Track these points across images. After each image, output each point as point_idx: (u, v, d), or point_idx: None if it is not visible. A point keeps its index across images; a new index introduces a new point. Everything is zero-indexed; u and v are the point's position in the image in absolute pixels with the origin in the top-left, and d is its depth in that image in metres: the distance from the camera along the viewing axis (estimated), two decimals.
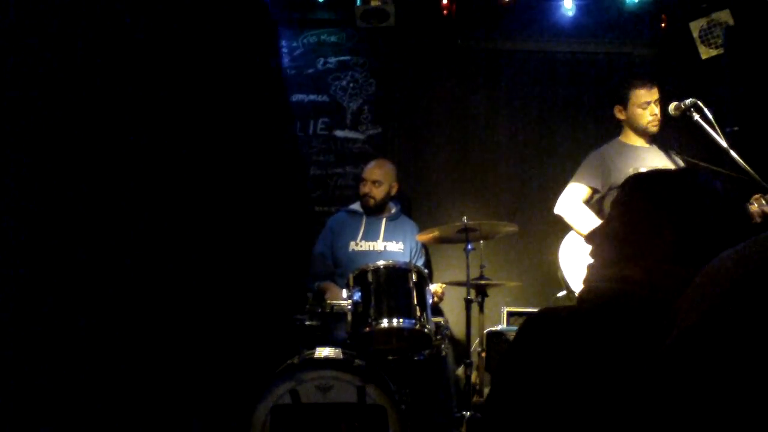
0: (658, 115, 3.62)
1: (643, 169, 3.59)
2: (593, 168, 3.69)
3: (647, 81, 3.67)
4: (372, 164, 4.30)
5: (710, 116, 3.41)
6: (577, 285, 3.46)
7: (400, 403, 3.02)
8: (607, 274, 1.35)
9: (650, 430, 1.03)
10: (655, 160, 3.67)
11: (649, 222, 1.32)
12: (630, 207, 1.37)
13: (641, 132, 3.68)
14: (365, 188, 4.22)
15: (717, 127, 3.39)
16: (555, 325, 1.27)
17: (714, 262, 1.04)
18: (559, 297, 3.69)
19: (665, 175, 1.43)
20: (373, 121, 4.91)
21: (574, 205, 3.60)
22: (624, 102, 3.67)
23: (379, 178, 4.23)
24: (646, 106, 3.62)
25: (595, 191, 3.65)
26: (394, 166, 4.34)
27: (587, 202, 3.66)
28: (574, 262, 3.52)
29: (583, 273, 3.53)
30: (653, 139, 3.73)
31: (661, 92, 3.65)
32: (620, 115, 3.71)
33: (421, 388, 3.55)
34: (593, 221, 3.49)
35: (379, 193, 4.23)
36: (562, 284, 3.56)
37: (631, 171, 3.57)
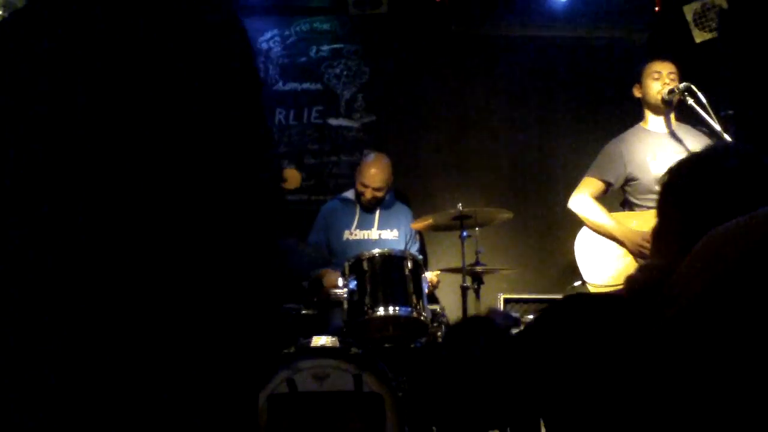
0: (670, 87, 3.52)
1: (660, 156, 3.58)
2: (608, 160, 3.65)
3: (664, 58, 3.64)
4: (370, 165, 4.15)
5: (704, 100, 3.39)
6: (590, 276, 3.50)
7: (397, 391, 3.03)
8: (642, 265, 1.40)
9: (649, 405, 1.03)
10: (673, 146, 3.60)
11: (663, 213, 1.38)
12: (658, 203, 1.43)
13: (653, 107, 3.61)
14: (368, 194, 4.12)
15: (711, 111, 3.37)
16: (583, 305, 1.32)
17: (714, 233, 1.04)
18: (574, 286, 3.69)
19: (677, 165, 1.45)
20: (367, 109, 4.89)
21: (585, 201, 3.59)
22: (639, 78, 3.64)
23: (381, 185, 4.12)
24: (657, 76, 3.56)
25: (608, 185, 3.63)
26: (388, 159, 4.25)
27: (601, 194, 3.65)
28: (588, 254, 3.54)
29: (597, 264, 3.60)
30: (672, 122, 3.65)
31: (679, 72, 3.59)
32: (637, 93, 3.67)
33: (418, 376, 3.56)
34: (598, 214, 3.50)
35: (381, 195, 4.17)
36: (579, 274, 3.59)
37: (648, 160, 3.55)
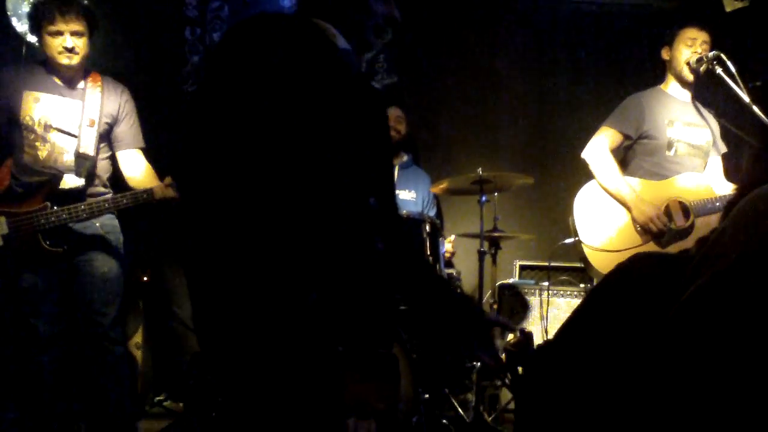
0: (699, 55, 3.43)
1: (677, 123, 3.52)
2: (628, 113, 3.55)
3: (701, 23, 3.52)
4: None
5: (733, 70, 3.32)
6: (586, 235, 3.40)
7: (412, 353, 3.04)
8: None
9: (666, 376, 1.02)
10: (691, 116, 3.55)
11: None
12: None
13: (677, 73, 3.53)
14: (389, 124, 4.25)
15: (740, 82, 3.30)
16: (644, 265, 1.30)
17: (756, 194, 1.02)
18: (566, 243, 3.61)
19: None
20: (389, 70, 4.84)
21: (601, 153, 3.48)
22: (671, 41, 3.54)
23: (400, 113, 4.30)
24: (691, 43, 3.47)
25: (626, 137, 3.53)
26: None
27: (617, 148, 3.56)
28: (588, 213, 3.43)
29: (596, 225, 3.54)
30: (693, 95, 3.59)
31: (712, 40, 3.49)
32: (665, 56, 3.58)
33: (432, 339, 3.58)
34: (614, 174, 3.42)
35: (402, 128, 4.29)
36: (572, 232, 3.49)
37: (666, 123, 3.49)
